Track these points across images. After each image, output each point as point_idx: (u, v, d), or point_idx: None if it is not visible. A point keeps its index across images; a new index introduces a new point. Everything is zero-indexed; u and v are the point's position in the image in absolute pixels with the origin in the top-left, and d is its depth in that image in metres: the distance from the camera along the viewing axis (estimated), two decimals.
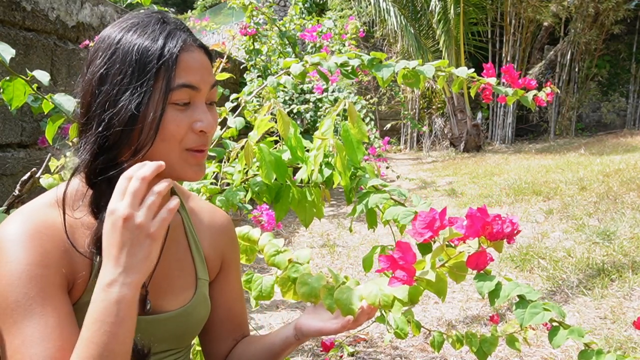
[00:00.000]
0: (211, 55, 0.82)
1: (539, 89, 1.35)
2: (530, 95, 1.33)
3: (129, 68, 0.73)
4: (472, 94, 1.37)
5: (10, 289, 0.68)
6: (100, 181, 0.74)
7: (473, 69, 1.33)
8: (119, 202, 0.66)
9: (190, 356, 0.99)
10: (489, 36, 10.80)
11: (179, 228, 0.91)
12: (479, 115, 10.41)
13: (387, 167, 5.63)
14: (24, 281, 0.69)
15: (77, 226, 0.75)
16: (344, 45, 4.98)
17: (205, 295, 0.91)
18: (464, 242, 0.78)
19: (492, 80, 1.32)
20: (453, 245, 0.80)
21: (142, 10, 0.81)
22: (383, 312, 1.41)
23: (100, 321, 0.65)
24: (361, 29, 5.22)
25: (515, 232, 0.74)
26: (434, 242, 0.79)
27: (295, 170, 1.31)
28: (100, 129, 0.73)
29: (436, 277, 0.79)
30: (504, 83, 1.36)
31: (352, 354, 2.24)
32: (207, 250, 0.94)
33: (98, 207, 0.75)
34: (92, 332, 0.65)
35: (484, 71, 1.35)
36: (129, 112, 0.72)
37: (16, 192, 1.40)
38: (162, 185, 0.69)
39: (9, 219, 0.73)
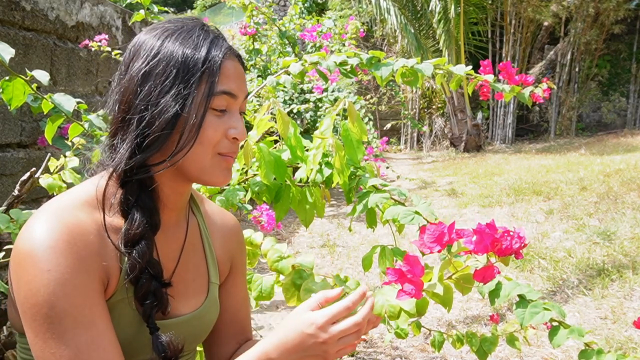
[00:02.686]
0: (244, 64, 0.84)
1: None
2: (527, 91, 1.33)
3: (173, 69, 0.74)
4: (470, 91, 1.37)
5: (55, 298, 0.66)
6: (132, 181, 0.75)
7: (471, 67, 1.33)
8: (328, 325, 0.73)
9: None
10: (489, 36, 10.80)
11: (196, 232, 0.91)
12: (479, 115, 10.40)
13: (387, 167, 5.63)
14: (69, 290, 0.67)
15: (108, 226, 0.75)
16: (343, 45, 4.98)
17: (216, 298, 0.92)
18: (471, 255, 0.78)
19: (490, 78, 1.32)
20: (460, 255, 0.80)
21: (179, 18, 0.82)
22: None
23: None
24: (361, 29, 5.22)
25: (523, 245, 0.74)
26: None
27: (295, 170, 1.31)
28: (140, 127, 0.73)
29: (443, 289, 0.79)
30: (502, 80, 1.36)
31: (352, 354, 2.24)
32: (218, 254, 0.94)
33: (128, 206, 0.75)
34: None
35: (481, 68, 1.35)
36: (172, 113, 0.73)
37: (16, 192, 1.40)
38: (362, 316, 0.75)
39: (36, 222, 0.70)
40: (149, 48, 0.76)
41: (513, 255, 0.74)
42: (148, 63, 0.75)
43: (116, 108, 0.77)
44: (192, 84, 0.74)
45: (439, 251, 0.75)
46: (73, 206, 0.73)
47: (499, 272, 0.77)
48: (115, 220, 0.75)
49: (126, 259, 0.73)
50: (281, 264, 1.07)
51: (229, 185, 1.34)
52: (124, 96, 0.76)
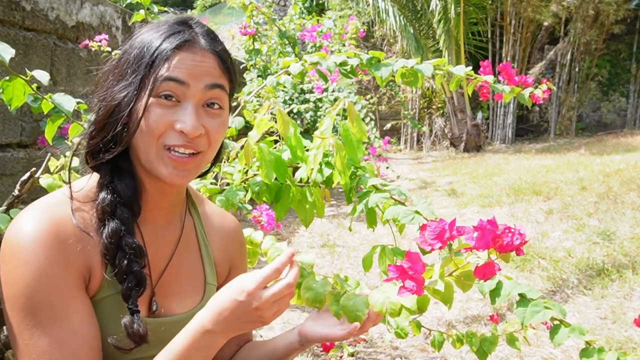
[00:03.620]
0: (227, 65, 0.80)
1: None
2: (526, 92, 1.33)
3: (126, 61, 0.77)
4: (470, 92, 1.37)
5: (30, 290, 0.68)
6: (104, 166, 0.78)
7: (470, 67, 1.33)
8: (259, 291, 0.72)
9: None
10: (489, 36, 10.80)
11: (191, 232, 0.91)
12: (479, 115, 10.40)
13: (387, 167, 5.63)
14: (45, 282, 0.68)
15: (89, 219, 0.76)
16: (343, 45, 4.98)
17: None
18: (472, 252, 0.78)
19: (489, 78, 1.32)
20: (461, 252, 0.80)
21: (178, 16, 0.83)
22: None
23: (188, 354, 0.72)
24: (361, 29, 5.21)
25: (524, 242, 0.74)
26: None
27: (295, 169, 1.31)
28: (95, 116, 0.78)
29: (444, 286, 0.79)
30: (501, 81, 1.36)
31: (352, 354, 2.24)
32: (216, 255, 0.94)
33: (100, 187, 0.78)
34: (176, 353, 0.72)
35: (481, 69, 1.35)
36: (117, 100, 0.75)
37: (16, 192, 1.40)
38: (293, 277, 0.74)
39: (23, 217, 0.72)
40: (125, 47, 0.79)
41: (514, 251, 0.75)
42: (117, 61, 0.79)
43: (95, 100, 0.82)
44: (139, 72, 0.74)
45: (440, 248, 0.75)
46: (61, 201, 0.75)
47: (499, 269, 0.77)
48: (87, 206, 0.78)
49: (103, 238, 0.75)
50: None
51: (229, 185, 1.34)
52: (99, 87, 0.81)
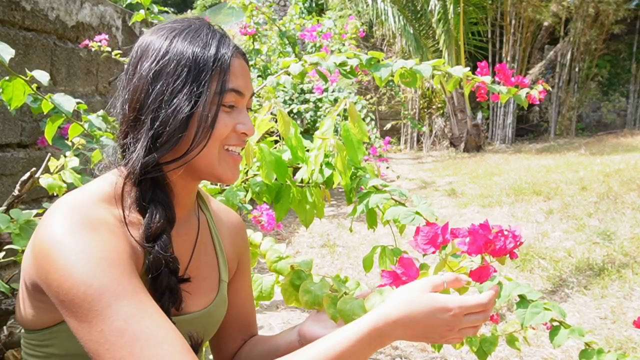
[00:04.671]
0: (249, 64, 0.86)
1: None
2: (523, 93, 1.33)
3: (184, 68, 0.74)
4: (466, 93, 1.37)
5: (91, 275, 0.64)
6: (145, 180, 0.75)
7: (469, 68, 1.33)
8: (462, 316, 0.71)
9: None
10: (489, 36, 10.80)
11: (206, 229, 0.91)
12: (479, 115, 10.40)
13: (387, 167, 5.63)
14: (105, 265, 0.65)
15: (127, 221, 0.74)
16: (343, 45, 4.98)
17: (225, 296, 0.92)
18: (467, 255, 0.78)
19: (487, 79, 1.32)
20: (457, 255, 0.80)
21: (185, 17, 0.83)
22: None
23: (355, 348, 0.70)
24: (361, 29, 5.21)
25: (519, 244, 0.74)
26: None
27: (296, 170, 1.31)
28: (155, 127, 0.74)
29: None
30: (499, 82, 1.36)
31: None
32: (227, 251, 0.95)
33: (146, 202, 0.75)
34: (341, 351, 0.69)
35: (479, 70, 1.35)
36: (186, 112, 0.73)
37: (16, 192, 1.40)
38: (489, 308, 0.74)
39: (55, 217, 0.68)
40: (157, 48, 0.76)
41: (508, 255, 0.74)
42: (158, 62, 0.75)
43: (126, 108, 0.77)
44: (204, 82, 0.75)
45: (434, 252, 0.75)
46: (90, 202, 0.72)
47: (495, 271, 0.77)
48: (133, 217, 0.75)
49: (151, 254, 0.73)
50: (280, 265, 1.07)
51: (228, 185, 1.34)
52: (134, 96, 0.76)
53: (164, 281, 0.74)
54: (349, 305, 0.87)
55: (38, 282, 0.69)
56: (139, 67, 0.76)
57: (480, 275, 0.77)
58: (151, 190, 0.76)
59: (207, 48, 0.76)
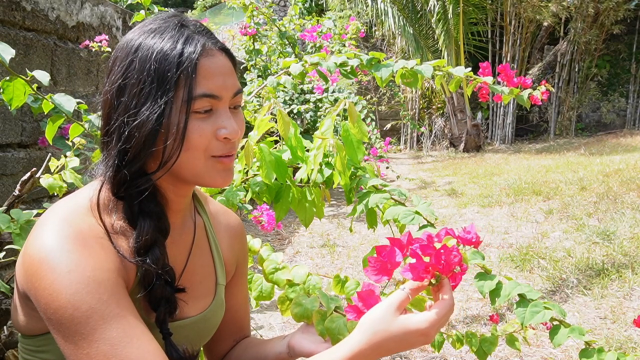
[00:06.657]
0: (233, 57, 0.78)
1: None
2: (525, 93, 1.33)
3: (147, 77, 0.69)
4: (469, 93, 1.37)
5: (80, 297, 0.63)
6: (129, 193, 0.72)
7: (470, 69, 1.33)
8: (433, 329, 0.69)
9: None
10: (489, 36, 10.80)
11: (202, 233, 0.89)
12: (479, 115, 10.40)
13: (387, 167, 5.63)
14: (94, 287, 0.64)
15: (114, 232, 0.72)
16: (344, 46, 4.98)
17: (222, 300, 0.91)
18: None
19: (489, 80, 1.32)
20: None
21: (161, 13, 0.78)
22: None
23: None
24: (361, 29, 5.22)
25: (477, 243, 0.71)
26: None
27: (295, 170, 1.31)
28: (120, 142, 0.70)
29: None
30: (500, 83, 1.36)
31: None
32: (225, 254, 0.93)
33: (133, 215, 0.73)
34: None
35: (480, 70, 1.35)
36: (150, 125, 0.69)
37: (16, 192, 1.40)
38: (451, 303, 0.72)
39: (46, 229, 0.67)
40: (124, 56, 0.72)
41: (459, 267, 0.71)
42: (123, 74, 0.71)
43: (101, 119, 0.75)
44: (167, 91, 0.69)
45: (389, 279, 0.73)
46: (79, 212, 0.71)
47: (465, 271, 0.73)
48: (124, 226, 0.73)
49: (142, 266, 0.71)
50: (276, 276, 1.08)
51: (231, 185, 1.34)
52: (104, 109, 0.74)
53: (158, 292, 0.73)
54: (335, 324, 0.88)
55: (28, 295, 0.68)
56: (110, 75, 0.74)
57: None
58: (138, 203, 0.73)
59: (170, 51, 0.70)
